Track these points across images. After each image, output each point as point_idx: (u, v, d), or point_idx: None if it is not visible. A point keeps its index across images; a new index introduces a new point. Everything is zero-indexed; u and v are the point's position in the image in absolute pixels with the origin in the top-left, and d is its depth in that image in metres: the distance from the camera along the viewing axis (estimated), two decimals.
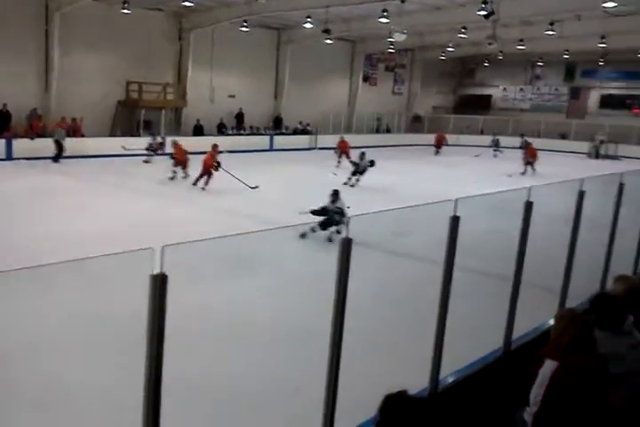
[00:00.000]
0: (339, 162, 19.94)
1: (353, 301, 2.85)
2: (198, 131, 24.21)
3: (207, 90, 24.87)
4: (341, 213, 9.46)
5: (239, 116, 26.11)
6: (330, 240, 9.28)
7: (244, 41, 24.67)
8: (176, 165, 15.58)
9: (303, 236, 9.40)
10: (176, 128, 23.69)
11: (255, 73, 26.54)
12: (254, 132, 26.29)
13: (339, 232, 9.21)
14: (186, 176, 15.42)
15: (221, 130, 25.18)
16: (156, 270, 2.09)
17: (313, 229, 9.43)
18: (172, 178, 15.54)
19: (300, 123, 27.62)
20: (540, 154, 21.08)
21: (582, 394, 2.83)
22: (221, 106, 25.03)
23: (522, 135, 26.61)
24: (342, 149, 20.46)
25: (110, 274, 5.19)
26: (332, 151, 20.90)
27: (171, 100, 23.51)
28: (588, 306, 3.66)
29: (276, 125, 27.41)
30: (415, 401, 2.13)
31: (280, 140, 25.49)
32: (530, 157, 20.82)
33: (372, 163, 16.15)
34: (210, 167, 14.11)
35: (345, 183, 15.33)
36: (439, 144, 26.76)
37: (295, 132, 27.43)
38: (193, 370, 4.50)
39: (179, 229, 8.79)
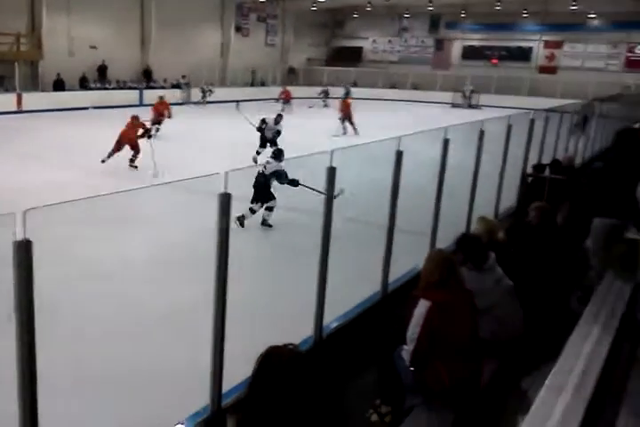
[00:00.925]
0: (156, 129, 14.72)
1: (236, 256, 2.86)
2: (59, 86, 22.45)
3: (65, 40, 22.96)
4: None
5: (102, 69, 24.42)
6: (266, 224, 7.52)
7: None
8: None
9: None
10: (33, 83, 21.84)
11: (118, 22, 24.78)
12: (121, 86, 24.82)
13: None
14: None
15: (84, 84, 23.55)
16: (20, 236, 1.95)
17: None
18: None
19: (184, 77, 25.92)
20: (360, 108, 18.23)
21: (454, 329, 3.06)
22: (82, 58, 23.25)
23: (344, 85, 25.22)
24: (157, 111, 15.67)
25: None
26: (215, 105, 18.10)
27: (24, 52, 21.49)
28: (455, 246, 3.93)
29: (147, 79, 26.00)
30: (289, 356, 2.17)
31: (151, 95, 24.17)
32: (342, 110, 17.57)
33: (278, 133, 12.70)
34: (134, 140, 11.60)
35: (254, 157, 12.19)
36: (287, 99, 25.18)
37: (175, 86, 25.87)
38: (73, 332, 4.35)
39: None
